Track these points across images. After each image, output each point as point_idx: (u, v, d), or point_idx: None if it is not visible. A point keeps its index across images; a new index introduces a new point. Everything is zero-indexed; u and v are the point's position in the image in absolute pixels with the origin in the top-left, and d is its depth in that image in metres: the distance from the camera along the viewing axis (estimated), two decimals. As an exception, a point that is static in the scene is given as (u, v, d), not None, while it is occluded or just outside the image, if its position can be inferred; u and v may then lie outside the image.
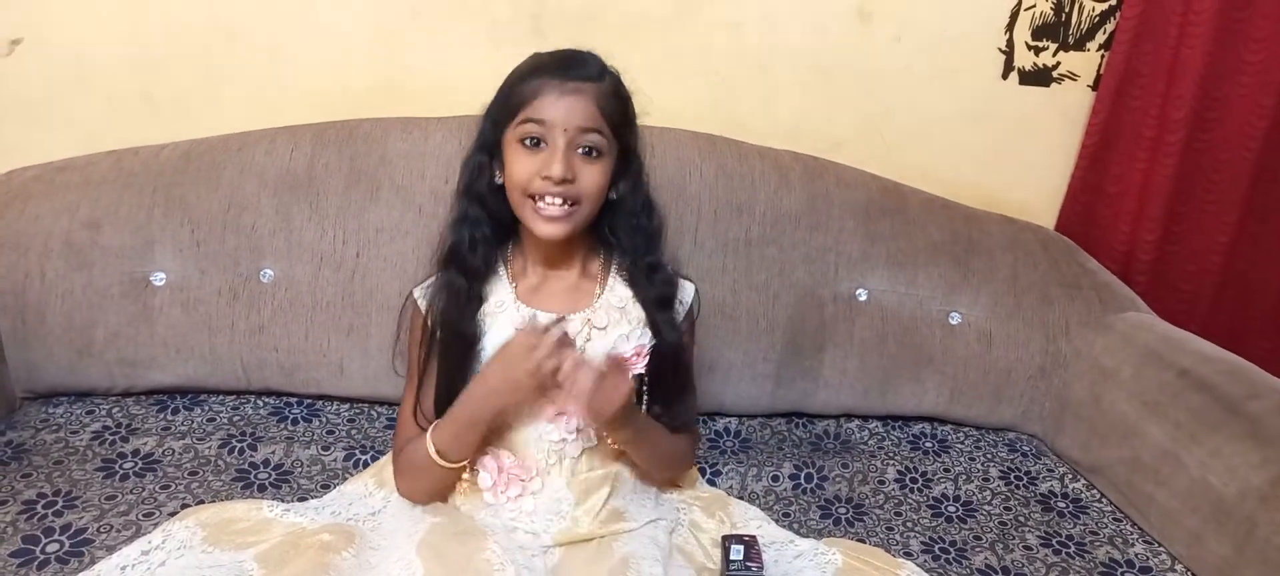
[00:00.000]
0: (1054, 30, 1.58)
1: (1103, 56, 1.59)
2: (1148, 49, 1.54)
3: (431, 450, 1.02)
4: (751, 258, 1.41)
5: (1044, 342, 1.46)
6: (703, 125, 1.48)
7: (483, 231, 1.07)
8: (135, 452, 1.23)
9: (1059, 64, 1.60)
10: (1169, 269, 1.66)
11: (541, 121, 1.00)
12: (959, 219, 1.53)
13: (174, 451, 1.25)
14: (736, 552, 1.03)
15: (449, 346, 1.06)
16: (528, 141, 1.01)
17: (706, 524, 1.14)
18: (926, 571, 1.11)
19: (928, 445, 1.45)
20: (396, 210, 1.34)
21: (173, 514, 1.08)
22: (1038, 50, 1.59)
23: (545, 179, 1.00)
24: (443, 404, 1.05)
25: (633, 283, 1.11)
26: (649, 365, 1.08)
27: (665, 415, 1.12)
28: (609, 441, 1.08)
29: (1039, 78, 1.61)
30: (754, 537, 1.06)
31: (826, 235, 1.44)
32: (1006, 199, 1.65)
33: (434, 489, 1.07)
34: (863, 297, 1.46)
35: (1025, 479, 1.39)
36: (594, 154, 1.02)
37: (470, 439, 1.03)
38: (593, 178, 1.03)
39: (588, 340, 1.07)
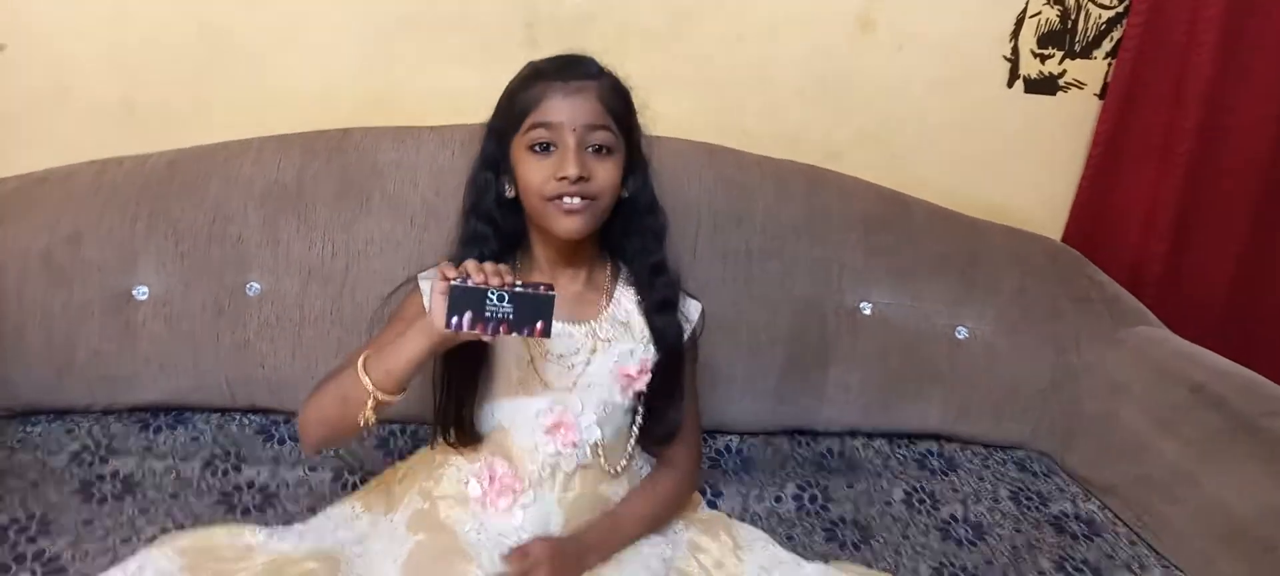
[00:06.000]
0: (1060, 38, 1.56)
1: (1109, 65, 1.57)
2: (1155, 57, 1.51)
3: (366, 382, 0.93)
4: (752, 269, 1.38)
5: (1053, 357, 1.43)
6: (702, 135, 1.45)
7: (491, 248, 1.05)
8: (114, 474, 1.19)
9: (1065, 72, 1.58)
10: (1180, 281, 1.62)
11: (549, 124, 0.99)
12: (963, 230, 1.50)
13: (155, 472, 1.21)
14: None
15: (464, 353, 1.00)
16: (538, 147, 1.00)
17: (708, 544, 1.12)
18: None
19: (935, 464, 1.41)
20: (387, 222, 1.31)
21: (151, 539, 1.05)
22: (1043, 58, 1.56)
23: (561, 180, 0.98)
24: (446, 408, 1.03)
25: (638, 285, 1.10)
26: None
27: (655, 422, 1.09)
28: (604, 464, 1.06)
29: (1045, 86, 1.58)
30: None
31: (828, 247, 1.41)
32: (1011, 209, 1.62)
33: (336, 426, 0.99)
34: (866, 311, 1.42)
35: (1036, 499, 1.35)
36: (604, 151, 1.01)
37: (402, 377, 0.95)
38: (607, 174, 1.01)
39: (593, 352, 1.06)
